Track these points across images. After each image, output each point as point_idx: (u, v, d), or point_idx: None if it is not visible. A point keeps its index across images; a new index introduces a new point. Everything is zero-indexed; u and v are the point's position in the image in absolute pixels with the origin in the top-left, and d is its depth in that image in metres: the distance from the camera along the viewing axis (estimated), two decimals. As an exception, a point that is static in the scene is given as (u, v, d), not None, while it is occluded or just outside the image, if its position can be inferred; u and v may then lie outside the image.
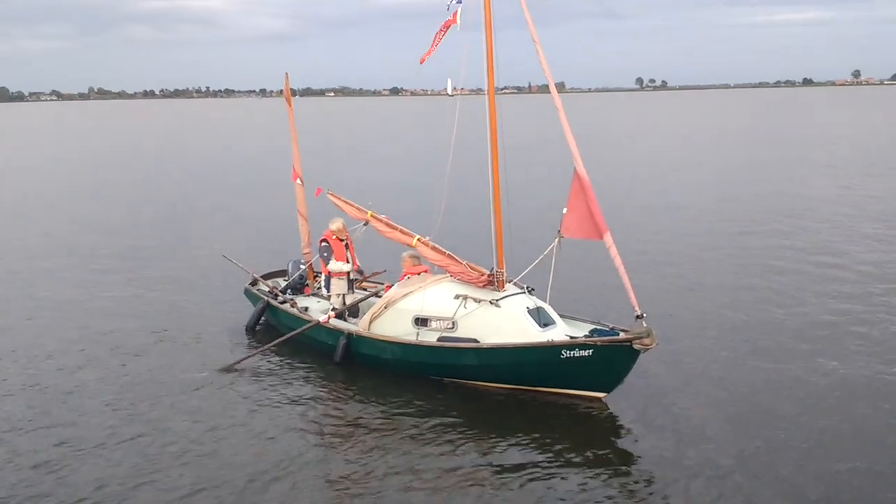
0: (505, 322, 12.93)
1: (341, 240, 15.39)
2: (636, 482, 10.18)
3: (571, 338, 12.64)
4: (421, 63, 13.36)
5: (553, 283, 13.39)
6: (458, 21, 13.05)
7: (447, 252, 13.95)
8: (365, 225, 15.15)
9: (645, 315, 11.85)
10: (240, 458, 10.78)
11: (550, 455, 10.88)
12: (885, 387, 12.88)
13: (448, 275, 13.84)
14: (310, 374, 13.95)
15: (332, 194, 15.83)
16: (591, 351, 11.98)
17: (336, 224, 15.36)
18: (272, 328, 16.14)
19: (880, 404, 12.22)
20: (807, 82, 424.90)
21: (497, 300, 13.10)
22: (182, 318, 17.19)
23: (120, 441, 11.31)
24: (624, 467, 10.62)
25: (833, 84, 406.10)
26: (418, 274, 14.45)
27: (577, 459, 10.79)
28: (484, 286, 13.38)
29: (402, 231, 14.67)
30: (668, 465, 10.48)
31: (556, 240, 13.15)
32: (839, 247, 23.29)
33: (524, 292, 13.50)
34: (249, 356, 14.58)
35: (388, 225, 14.87)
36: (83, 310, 18.03)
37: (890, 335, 15.31)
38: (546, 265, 13.36)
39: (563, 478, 10.26)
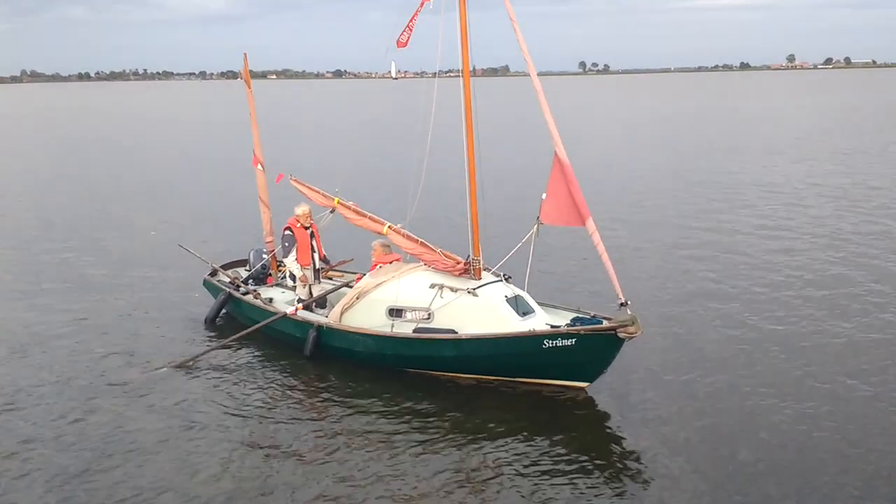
0: (483, 311, 12.50)
1: (306, 227, 14.74)
2: (620, 473, 9.91)
3: (553, 327, 12.30)
4: (398, 47, 12.71)
5: (524, 270, 13.02)
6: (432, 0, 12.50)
7: (420, 240, 13.46)
8: (332, 212, 14.54)
9: (629, 302, 11.56)
10: (200, 460, 10.19)
11: (531, 447, 10.53)
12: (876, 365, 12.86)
13: (422, 263, 13.36)
14: (278, 370, 13.34)
15: (295, 180, 15.11)
16: (574, 340, 11.63)
17: (302, 209, 14.66)
18: (233, 320, 15.46)
19: (872, 385, 12.20)
20: (744, 66, 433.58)
21: (474, 289, 12.68)
22: (138, 312, 16.36)
23: (70, 440, 10.69)
24: (607, 458, 10.33)
25: (769, 68, 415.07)
26: (390, 263, 13.92)
27: (560, 451, 10.46)
28: (460, 275, 12.94)
29: (371, 218, 14.10)
30: (652, 456, 10.23)
31: (535, 226, 12.77)
32: (810, 226, 23.49)
33: (501, 280, 13.10)
34: (206, 351, 13.82)
35: (356, 212, 14.29)
36: (31, 303, 17.06)
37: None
38: (522, 252, 12.99)
39: (544, 470, 9.93)
